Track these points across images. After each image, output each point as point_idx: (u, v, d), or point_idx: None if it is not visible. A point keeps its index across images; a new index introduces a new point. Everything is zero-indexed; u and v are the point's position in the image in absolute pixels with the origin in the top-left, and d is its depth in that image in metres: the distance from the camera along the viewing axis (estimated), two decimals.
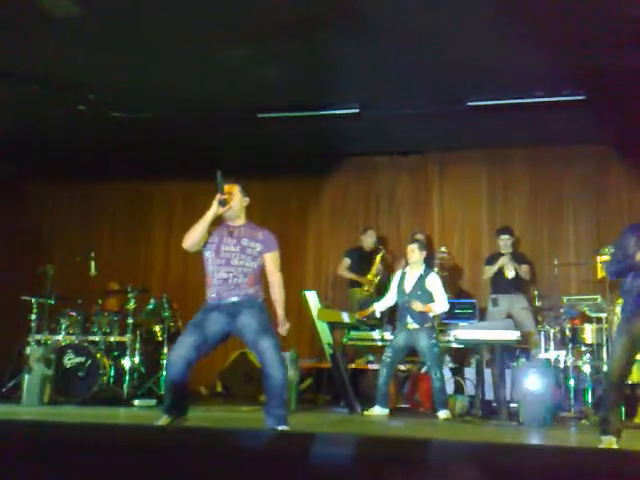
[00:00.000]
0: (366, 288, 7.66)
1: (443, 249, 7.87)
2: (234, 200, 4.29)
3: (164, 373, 6.90)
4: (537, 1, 5.12)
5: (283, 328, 4.36)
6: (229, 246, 4.23)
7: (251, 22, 5.56)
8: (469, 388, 6.69)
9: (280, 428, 4.07)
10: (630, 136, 7.35)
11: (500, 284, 7.38)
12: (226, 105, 7.27)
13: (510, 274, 7.32)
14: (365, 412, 6.07)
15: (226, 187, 4.26)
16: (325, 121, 7.54)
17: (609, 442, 3.97)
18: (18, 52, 6.11)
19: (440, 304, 6.18)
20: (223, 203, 4.20)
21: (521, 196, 8.49)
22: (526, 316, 7.16)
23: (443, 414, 5.88)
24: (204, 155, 8.53)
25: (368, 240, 8.07)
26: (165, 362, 6.37)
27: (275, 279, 4.32)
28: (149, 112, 7.39)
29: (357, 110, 7.24)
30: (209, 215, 4.19)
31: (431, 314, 6.13)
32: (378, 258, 7.80)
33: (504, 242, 7.37)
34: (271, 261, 4.32)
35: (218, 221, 4.32)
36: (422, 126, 7.77)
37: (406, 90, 6.83)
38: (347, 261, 8.03)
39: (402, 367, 6.78)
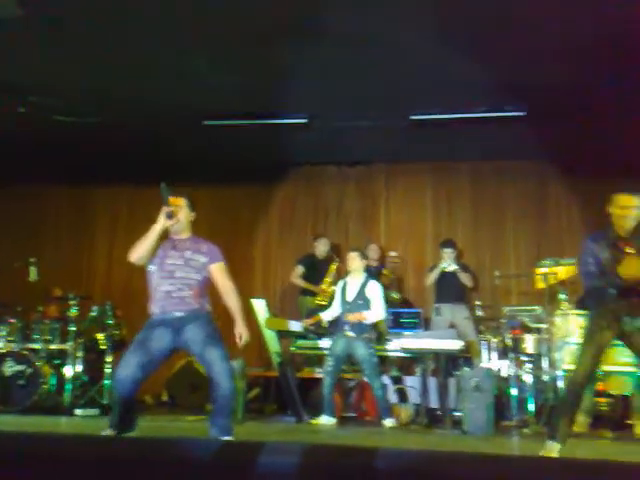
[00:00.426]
0: (320, 298, 7.58)
1: (393, 253, 7.98)
2: (181, 213, 4.28)
3: (107, 382, 6.80)
4: (480, 18, 5.27)
5: (242, 337, 4.33)
6: (173, 259, 4.21)
7: (203, 29, 5.54)
8: (414, 397, 6.78)
9: (224, 438, 4.05)
10: (568, 152, 7.62)
11: (443, 294, 7.53)
12: (174, 111, 7.20)
13: (450, 267, 7.39)
14: (312, 421, 6.09)
15: (172, 200, 4.23)
16: (274, 131, 7.57)
17: (552, 448, 4.07)
18: None
19: (375, 312, 6.20)
20: (170, 216, 4.17)
21: (464, 209, 8.71)
22: (468, 326, 7.33)
23: (389, 422, 5.96)
24: (151, 161, 8.46)
25: (321, 248, 8.06)
26: (112, 378, 6.29)
27: (226, 287, 4.30)
28: (95, 116, 7.27)
29: (306, 120, 7.30)
30: (157, 228, 4.16)
31: (366, 322, 6.15)
32: (333, 267, 7.80)
33: (447, 255, 7.51)
34: (218, 271, 4.30)
35: (163, 235, 4.28)
36: (369, 138, 7.88)
37: (354, 102, 6.93)
38: (300, 269, 7.98)
39: (349, 376, 6.83)
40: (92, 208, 9.19)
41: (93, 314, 7.05)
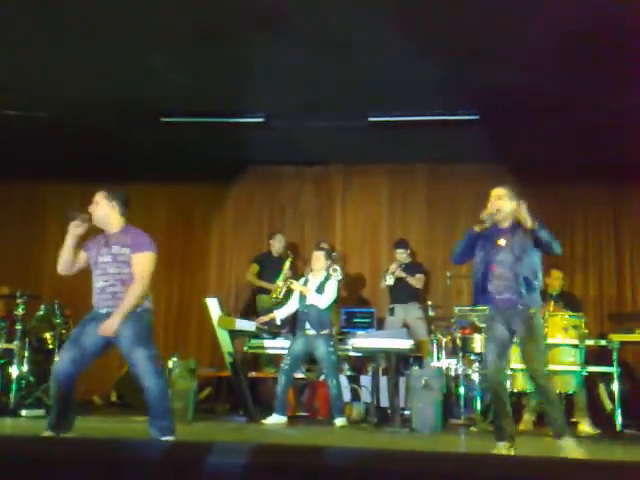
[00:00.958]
0: (274, 295, 7.45)
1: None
2: (97, 208, 4.26)
3: None
4: (436, 20, 5.33)
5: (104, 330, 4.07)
6: (104, 256, 4.22)
7: (160, 25, 5.48)
8: (365, 395, 6.83)
9: (164, 439, 4.02)
10: (521, 154, 7.77)
11: (397, 294, 7.59)
12: (131, 107, 7.11)
13: (389, 282, 7.44)
14: (263, 420, 6.09)
15: (95, 196, 4.28)
16: (231, 129, 7.53)
17: (502, 448, 4.15)
18: None
19: (319, 297, 6.22)
20: (83, 221, 4.20)
21: (420, 209, 8.80)
22: (420, 325, 7.41)
23: (340, 421, 5.99)
24: (105, 158, 8.33)
25: (277, 245, 8.00)
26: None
27: (134, 277, 4.13)
28: (46, 111, 7.13)
29: (263, 119, 7.28)
30: (67, 241, 4.24)
31: (308, 299, 6.20)
32: (287, 264, 7.76)
33: (399, 255, 7.60)
34: (134, 261, 4.16)
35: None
36: (327, 138, 7.91)
37: (312, 102, 6.94)
38: (255, 267, 7.92)
39: (301, 375, 6.84)
40: (42, 204, 9.00)
41: (41, 313, 6.91)
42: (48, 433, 4.09)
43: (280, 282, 7.47)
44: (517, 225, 4.38)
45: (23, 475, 4.09)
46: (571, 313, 6.23)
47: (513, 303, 4.28)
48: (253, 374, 6.94)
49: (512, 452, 4.11)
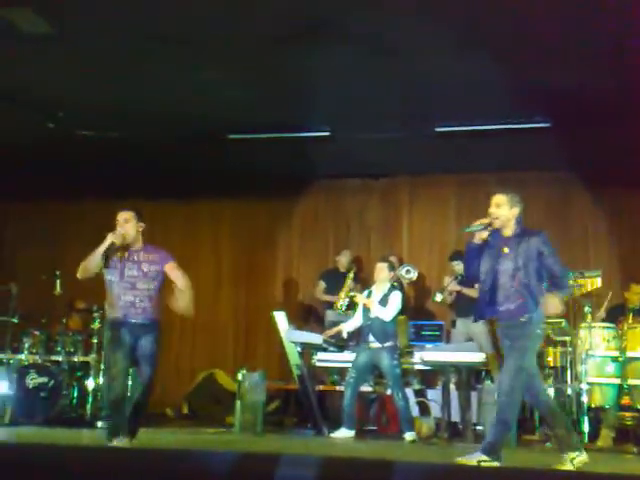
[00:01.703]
0: (338, 305, 7.44)
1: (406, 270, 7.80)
2: (128, 226, 4.64)
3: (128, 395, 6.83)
4: (506, 29, 5.24)
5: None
6: (132, 270, 4.59)
7: (223, 43, 5.59)
8: (435, 410, 6.70)
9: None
10: (594, 162, 7.51)
11: (458, 307, 7.46)
12: (196, 125, 7.28)
13: (438, 298, 7.20)
14: (331, 434, 6.05)
15: (122, 214, 4.69)
16: (297, 143, 7.60)
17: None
18: None
19: (383, 309, 6.13)
20: (118, 232, 4.59)
21: None
22: (484, 339, 7.21)
23: (409, 436, 5.89)
24: (172, 176, 8.55)
25: (343, 260, 8.08)
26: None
27: (181, 282, 4.67)
28: (118, 131, 7.38)
29: (328, 133, 7.31)
30: (101, 248, 4.51)
31: (373, 311, 6.12)
32: (350, 276, 7.76)
33: (456, 267, 7.41)
34: (171, 269, 4.67)
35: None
36: (393, 150, 7.86)
37: (377, 114, 6.91)
38: (322, 284, 8.05)
39: (369, 389, 6.77)
40: (113, 222, 9.26)
41: None
42: (119, 441, 4.32)
43: (342, 294, 7.48)
44: (524, 232, 4.22)
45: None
46: None
47: (511, 314, 4.13)
48: (321, 387, 6.91)
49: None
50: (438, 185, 8.86)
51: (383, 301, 6.23)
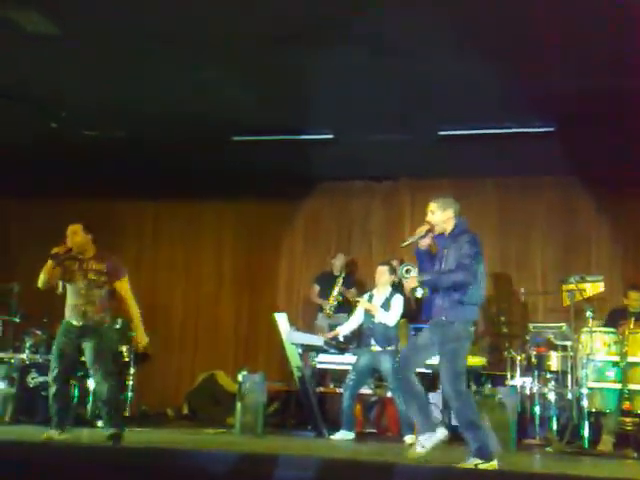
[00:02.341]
0: (327, 311, 7.72)
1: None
2: (77, 238, 5.05)
3: (129, 394, 6.87)
4: (508, 33, 5.24)
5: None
6: (80, 279, 4.98)
7: (226, 43, 5.59)
8: (437, 413, 6.68)
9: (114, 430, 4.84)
10: (597, 166, 7.51)
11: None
12: (201, 126, 7.29)
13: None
14: (331, 436, 6.05)
15: (70, 228, 5.10)
16: (300, 146, 7.60)
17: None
18: None
19: (387, 314, 6.18)
20: (56, 257, 4.93)
21: (491, 225, 8.59)
22: None
23: (409, 438, 5.88)
24: (176, 176, 8.57)
25: (337, 263, 8.13)
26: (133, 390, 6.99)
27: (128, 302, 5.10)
28: (121, 131, 7.40)
29: (331, 136, 7.32)
30: (48, 267, 4.92)
31: (376, 317, 6.16)
32: (339, 280, 7.89)
33: None
34: (121, 286, 5.08)
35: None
36: (395, 153, 7.86)
37: (380, 117, 6.91)
38: (316, 287, 8.13)
39: (369, 391, 6.77)
40: (118, 222, 9.30)
41: (117, 327, 7.09)
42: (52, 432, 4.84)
43: (331, 298, 7.73)
44: (461, 232, 4.37)
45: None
46: None
47: (438, 315, 4.28)
48: (321, 389, 6.91)
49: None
50: (439, 189, 8.83)
51: (385, 305, 6.25)
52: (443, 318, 4.23)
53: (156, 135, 7.47)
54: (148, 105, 6.82)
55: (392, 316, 6.18)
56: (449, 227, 4.42)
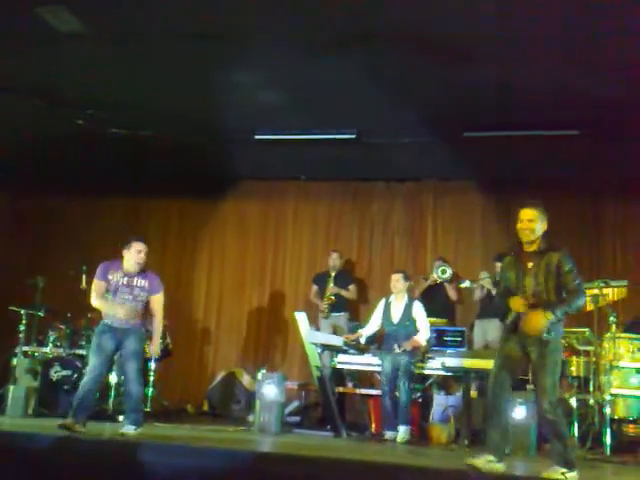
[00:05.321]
0: (322, 308, 7.82)
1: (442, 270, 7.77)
2: (142, 256, 5.42)
3: (151, 389, 6.94)
4: (533, 31, 5.19)
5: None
6: (124, 293, 5.38)
7: (252, 44, 5.62)
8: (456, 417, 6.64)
9: (134, 428, 5.16)
10: (625, 171, 7.40)
11: (481, 307, 7.56)
12: (225, 125, 7.35)
13: (466, 283, 7.43)
14: (388, 437, 6.10)
15: (139, 245, 5.42)
16: (323, 145, 7.60)
17: (484, 459, 4.14)
18: (19, 65, 6.18)
19: (424, 333, 6.39)
20: None
21: (514, 227, 8.49)
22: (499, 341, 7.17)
23: (402, 430, 5.96)
24: (200, 175, 8.63)
25: (331, 263, 8.09)
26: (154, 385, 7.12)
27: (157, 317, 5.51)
28: (149, 129, 7.46)
29: (354, 136, 7.30)
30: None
31: (420, 343, 6.33)
32: (330, 280, 7.92)
33: (498, 269, 7.38)
34: (156, 302, 5.50)
35: None
36: (419, 154, 7.83)
37: (404, 118, 6.88)
38: (315, 287, 8.15)
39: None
40: (143, 219, 9.39)
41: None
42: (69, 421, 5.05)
43: (325, 298, 7.82)
44: (545, 248, 4.31)
45: (118, 475, 4.27)
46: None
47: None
48: (340, 389, 6.91)
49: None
50: (464, 191, 8.79)
51: (407, 313, 6.41)
52: (544, 336, 4.16)
53: (180, 135, 7.48)
54: (175, 104, 6.86)
55: (425, 330, 6.40)
56: (532, 237, 4.30)
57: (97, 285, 5.38)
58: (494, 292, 7.22)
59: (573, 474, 4.06)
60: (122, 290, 5.34)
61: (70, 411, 5.17)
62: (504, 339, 4.40)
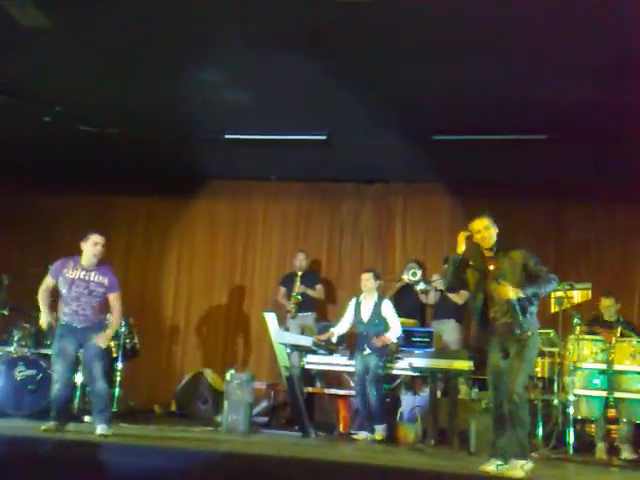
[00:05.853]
0: (289, 309, 7.85)
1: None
2: (99, 248, 5.50)
3: (117, 389, 6.87)
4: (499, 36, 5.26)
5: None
6: (79, 288, 5.39)
7: (222, 43, 5.60)
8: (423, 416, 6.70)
9: (103, 426, 5.20)
10: (586, 174, 7.53)
11: (437, 308, 7.70)
12: (194, 125, 7.31)
13: (421, 285, 7.57)
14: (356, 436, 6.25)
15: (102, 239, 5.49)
16: (293, 146, 7.60)
17: (490, 463, 4.42)
18: None
19: (394, 331, 6.41)
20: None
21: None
22: (455, 342, 7.31)
23: (380, 428, 6.08)
24: (169, 174, 8.57)
25: (297, 264, 8.10)
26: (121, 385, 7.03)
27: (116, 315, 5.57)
28: (117, 127, 7.38)
29: (325, 137, 7.31)
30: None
31: (390, 340, 6.35)
32: (296, 281, 7.93)
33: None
34: (114, 299, 5.51)
35: None
36: (388, 156, 7.87)
37: (374, 120, 6.92)
38: (282, 289, 8.14)
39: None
40: (109, 218, 9.24)
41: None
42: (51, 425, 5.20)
43: (292, 299, 7.86)
44: (505, 247, 4.58)
45: (82, 474, 4.22)
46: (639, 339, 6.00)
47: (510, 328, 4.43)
48: (309, 389, 6.92)
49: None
50: (433, 192, 8.86)
51: (376, 310, 6.42)
52: (518, 331, 4.36)
53: (149, 133, 7.42)
54: (145, 102, 6.80)
55: (396, 328, 6.41)
56: (492, 242, 4.60)
57: (46, 280, 5.46)
58: (450, 295, 7.32)
59: (530, 465, 4.32)
60: (77, 284, 5.34)
61: (51, 415, 5.31)
62: (488, 350, 4.60)
